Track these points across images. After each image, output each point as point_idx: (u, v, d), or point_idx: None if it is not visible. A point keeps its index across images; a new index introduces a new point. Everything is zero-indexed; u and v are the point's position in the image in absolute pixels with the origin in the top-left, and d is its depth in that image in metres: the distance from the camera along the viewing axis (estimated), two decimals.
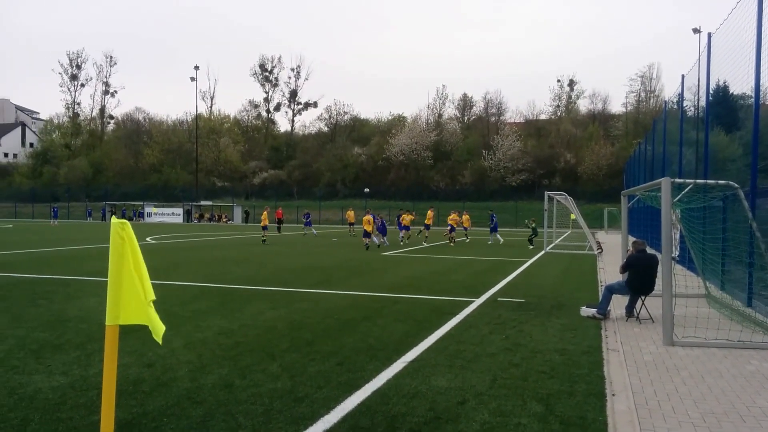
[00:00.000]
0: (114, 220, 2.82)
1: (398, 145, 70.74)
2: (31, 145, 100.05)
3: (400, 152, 70.64)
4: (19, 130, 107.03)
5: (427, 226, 28.35)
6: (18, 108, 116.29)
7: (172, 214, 62.66)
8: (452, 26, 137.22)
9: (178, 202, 66.02)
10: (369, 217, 23.80)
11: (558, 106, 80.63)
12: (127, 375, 5.43)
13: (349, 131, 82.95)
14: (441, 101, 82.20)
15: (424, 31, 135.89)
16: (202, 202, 67.13)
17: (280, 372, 5.66)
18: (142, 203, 65.82)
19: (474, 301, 10.26)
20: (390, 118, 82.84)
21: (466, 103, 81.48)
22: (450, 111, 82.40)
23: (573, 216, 30.94)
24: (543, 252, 22.39)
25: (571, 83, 79.52)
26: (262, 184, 75.39)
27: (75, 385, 5.13)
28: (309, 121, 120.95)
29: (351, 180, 73.04)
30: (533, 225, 26.39)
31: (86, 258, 17.96)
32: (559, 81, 79.90)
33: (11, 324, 7.71)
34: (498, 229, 29.63)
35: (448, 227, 27.48)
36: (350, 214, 37.16)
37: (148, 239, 28.10)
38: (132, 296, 2.74)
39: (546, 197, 24.98)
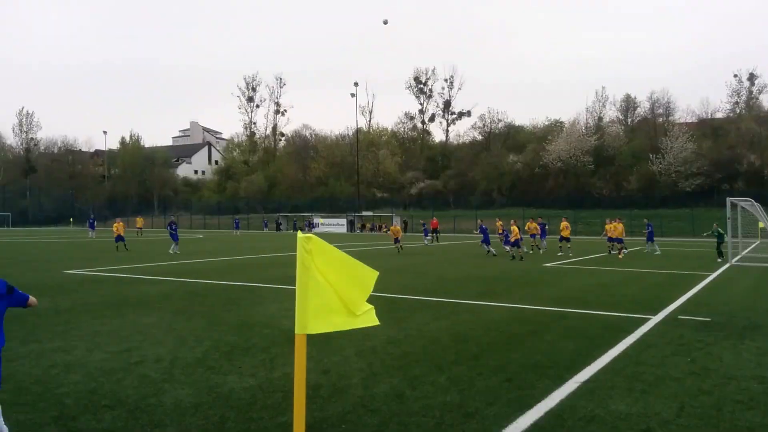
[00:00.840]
0: (300, 234, 3.03)
1: (556, 151, 68.12)
2: (216, 162, 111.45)
3: (558, 158, 67.95)
4: (206, 149, 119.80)
5: (564, 239, 26.36)
6: (205, 129, 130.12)
7: (336, 225, 66.07)
8: (609, 25, 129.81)
9: (342, 213, 69.43)
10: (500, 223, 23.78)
11: (737, 102, 72.83)
12: (307, 380, 5.79)
13: (504, 139, 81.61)
14: (601, 104, 77.94)
15: (578, 33, 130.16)
16: (364, 213, 69.91)
17: (449, 385, 5.69)
18: (310, 214, 70.17)
19: (651, 318, 9.54)
20: (546, 123, 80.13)
21: (629, 104, 76.47)
22: (611, 113, 77.92)
23: (762, 224, 27.63)
24: (728, 265, 20.23)
25: (752, 77, 71.55)
26: (419, 194, 76.75)
27: (263, 387, 5.58)
28: (463, 131, 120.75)
29: (507, 188, 71.77)
30: (719, 230, 23.65)
31: (266, 266, 19.51)
32: (736, 76, 72.35)
33: (208, 327, 8.60)
34: (654, 239, 27.42)
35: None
36: (499, 224, 36.24)
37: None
38: (320, 307, 2.92)
39: (728, 204, 22.55)
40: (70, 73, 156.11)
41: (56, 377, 5.86)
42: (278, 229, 68.96)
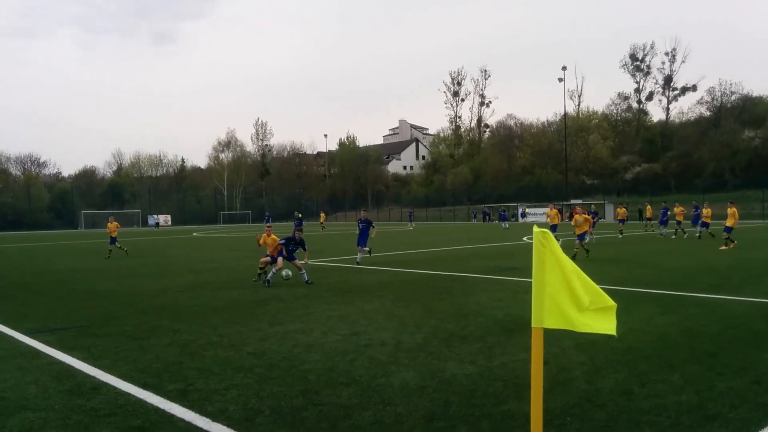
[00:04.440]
0: (536, 228, 3.05)
1: None
2: (423, 157, 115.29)
3: None
4: (413, 145, 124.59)
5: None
6: (412, 126, 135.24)
7: (543, 214, 64.22)
8: None
9: (549, 201, 67.27)
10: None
11: None
12: (526, 370, 5.78)
13: (738, 112, 71.87)
14: None
15: None
16: (572, 201, 66.96)
17: (683, 384, 5.26)
18: (516, 204, 69.19)
19: None
20: None
21: None
22: None
23: None
24: None
25: None
26: (635, 179, 71.23)
27: (483, 375, 5.70)
28: (687, 107, 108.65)
29: (742, 168, 63.24)
30: None
31: (473, 257, 19.74)
32: None
33: (425, 314, 9.01)
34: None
35: None
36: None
37: (524, 239, 29.36)
38: (555, 302, 2.91)
39: None
40: (294, 84, 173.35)
41: (299, 356, 6.62)
42: (485, 220, 69.14)
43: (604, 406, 4.73)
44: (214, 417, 4.65)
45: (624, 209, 32.34)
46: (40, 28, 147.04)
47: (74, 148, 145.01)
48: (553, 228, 22.95)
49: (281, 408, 4.86)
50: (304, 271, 13.25)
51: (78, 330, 8.43)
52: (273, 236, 13.70)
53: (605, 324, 2.95)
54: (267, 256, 13.53)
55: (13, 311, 10.26)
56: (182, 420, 4.62)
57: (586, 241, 19.28)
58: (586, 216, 18.91)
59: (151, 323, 8.80)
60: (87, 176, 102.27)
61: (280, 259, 13.11)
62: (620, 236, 28.83)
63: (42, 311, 10.27)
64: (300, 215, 25.62)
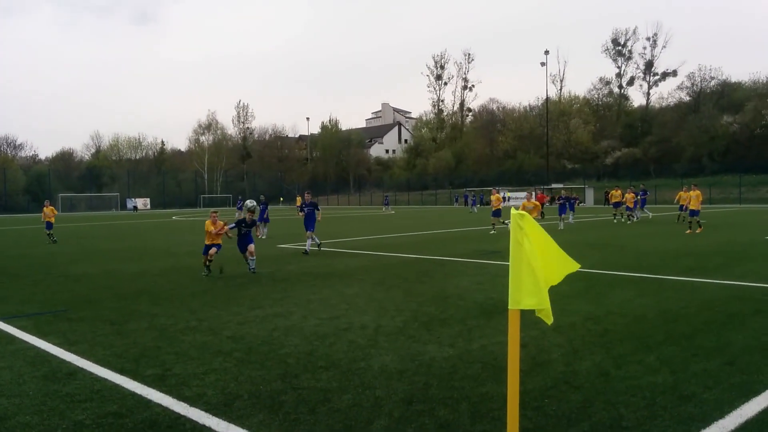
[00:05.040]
0: (513, 211, 3.04)
1: None
2: (406, 141, 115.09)
3: None
4: (396, 129, 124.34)
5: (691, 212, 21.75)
6: (395, 110, 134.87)
7: (524, 198, 64.59)
8: None
9: (530, 186, 67.68)
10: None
11: None
12: (505, 353, 5.80)
13: (717, 98, 72.77)
14: None
15: None
16: (553, 185, 67.41)
17: (659, 365, 5.33)
18: (497, 188, 69.46)
19: None
20: None
21: None
22: None
23: None
24: None
25: None
26: (615, 164, 71.91)
27: (462, 357, 5.72)
28: (667, 92, 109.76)
29: (720, 153, 64.11)
30: None
31: (455, 240, 19.81)
32: None
33: (405, 298, 9.02)
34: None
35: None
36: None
37: (505, 222, 29.50)
38: (532, 284, 2.91)
39: None
40: (277, 66, 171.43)
41: (278, 339, 6.59)
42: (466, 204, 69.33)
43: (580, 388, 4.78)
44: (192, 402, 4.61)
45: (618, 191, 30.40)
46: (16, 4, 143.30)
47: (52, 130, 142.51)
48: (496, 213, 23.23)
49: (260, 392, 4.83)
50: (254, 257, 12.33)
51: (54, 315, 8.31)
52: (219, 222, 12.39)
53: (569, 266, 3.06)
54: (212, 246, 12.09)
55: None
56: (159, 405, 4.57)
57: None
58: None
59: (129, 307, 8.71)
60: (64, 159, 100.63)
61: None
62: (616, 221, 28.84)
63: (18, 296, 10.11)
64: (263, 198, 24.66)
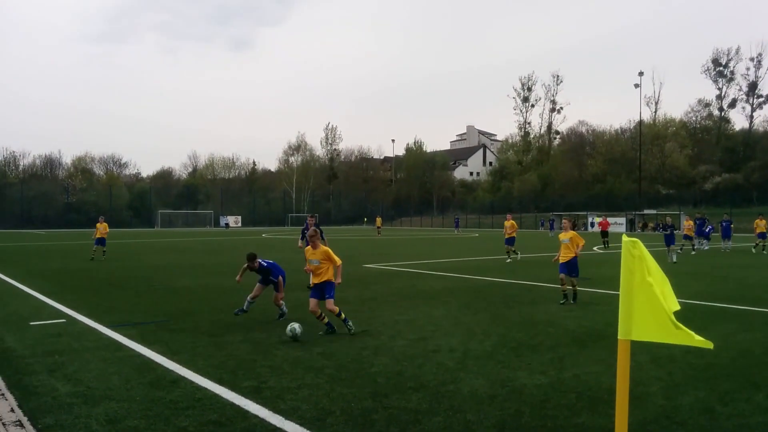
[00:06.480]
0: (625, 238, 2.98)
1: None
2: (491, 163, 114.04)
3: None
4: (481, 151, 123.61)
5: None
6: (480, 132, 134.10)
7: (614, 224, 62.07)
8: None
9: (621, 211, 65.11)
10: None
11: None
12: (600, 383, 5.63)
13: None
14: None
15: None
16: (646, 211, 64.50)
17: None
18: (585, 213, 67.25)
19: None
20: None
21: None
22: None
23: None
24: None
25: None
26: (714, 190, 67.86)
27: (554, 386, 5.58)
28: None
29: None
30: None
31: (541, 265, 19.34)
32: None
33: (492, 322, 8.91)
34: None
35: None
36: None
37: (594, 248, 28.51)
38: (645, 314, 2.83)
39: None
40: (364, 89, 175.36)
41: (368, 358, 6.68)
42: (552, 228, 67.56)
43: (684, 424, 4.54)
44: (287, 415, 4.76)
45: (764, 221, 26.24)
46: (126, 33, 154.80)
47: (153, 149, 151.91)
48: (510, 241, 21.57)
49: (351, 409, 4.92)
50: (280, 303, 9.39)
51: (157, 324, 8.82)
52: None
53: (697, 336, 2.80)
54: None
55: (98, 305, 10.84)
56: (256, 416, 4.75)
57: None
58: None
59: (225, 321, 9.10)
60: (164, 177, 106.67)
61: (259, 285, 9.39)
62: (755, 251, 25.95)
63: (123, 306, 10.81)
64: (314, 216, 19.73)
